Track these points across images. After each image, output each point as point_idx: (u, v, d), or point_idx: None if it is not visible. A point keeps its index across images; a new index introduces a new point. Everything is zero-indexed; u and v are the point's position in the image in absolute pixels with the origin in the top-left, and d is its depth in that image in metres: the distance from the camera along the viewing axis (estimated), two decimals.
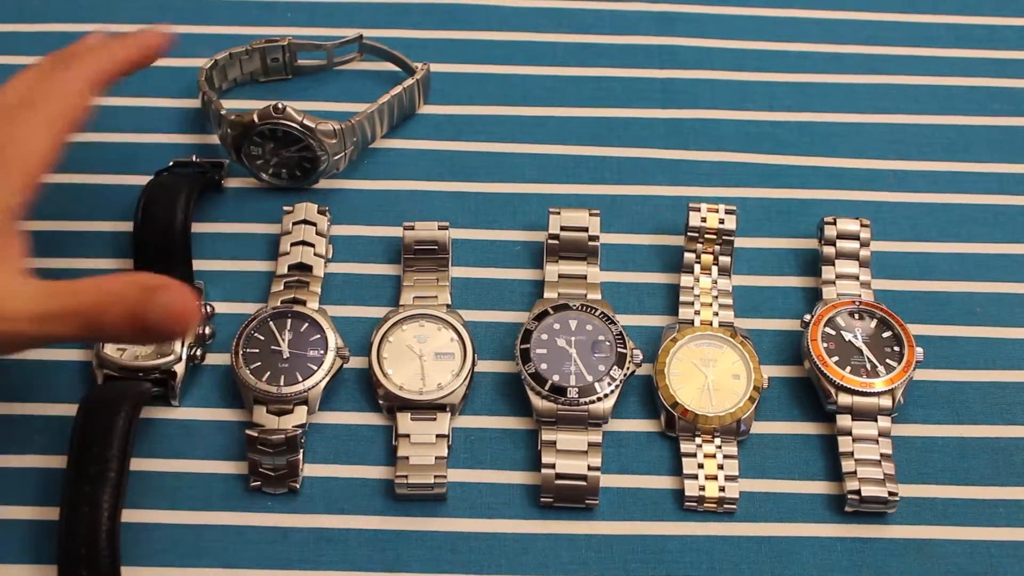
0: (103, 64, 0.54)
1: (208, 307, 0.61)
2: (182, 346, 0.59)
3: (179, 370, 0.59)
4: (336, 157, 0.64)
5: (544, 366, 0.58)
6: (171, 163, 0.65)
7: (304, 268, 0.62)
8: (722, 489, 0.57)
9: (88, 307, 0.47)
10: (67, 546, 0.53)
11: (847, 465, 0.57)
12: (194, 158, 0.66)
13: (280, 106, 0.62)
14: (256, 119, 0.62)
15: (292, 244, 0.63)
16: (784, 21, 0.75)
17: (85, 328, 0.47)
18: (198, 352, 0.59)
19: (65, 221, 0.65)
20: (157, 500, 0.57)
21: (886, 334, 0.60)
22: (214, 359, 0.61)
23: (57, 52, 0.55)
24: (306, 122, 0.63)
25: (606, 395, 0.58)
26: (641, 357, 0.59)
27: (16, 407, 0.59)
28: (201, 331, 0.60)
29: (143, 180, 0.64)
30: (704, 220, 0.62)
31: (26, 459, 0.58)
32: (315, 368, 0.58)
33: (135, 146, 0.68)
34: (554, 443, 0.57)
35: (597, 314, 0.60)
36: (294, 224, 0.63)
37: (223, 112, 0.63)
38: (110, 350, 0.58)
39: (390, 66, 0.71)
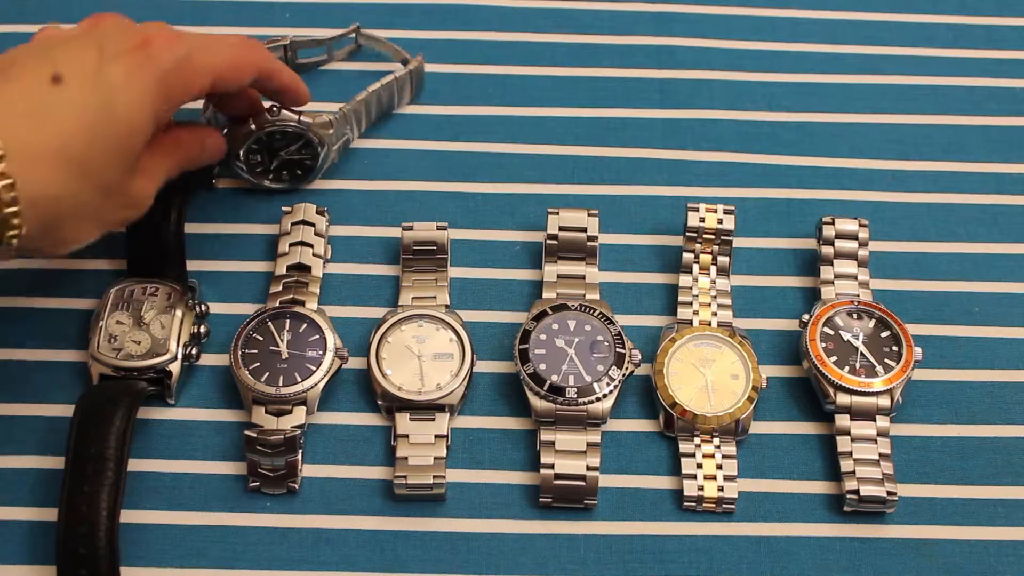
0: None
1: (203, 306, 0.61)
2: (177, 345, 0.59)
3: (174, 369, 0.59)
4: (334, 148, 0.65)
5: (543, 366, 0.58)
6: None
7: (303, 269, 0.62)
8: (721, 489, 0.57)
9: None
10: (66, 547, 0.53)
11: (846, 465, 0.58)
12: None
13: (275, 108, 0.62)
14: (254, 126, 0.63)
15: (291, 245, 0.63)
16: (782, 21, 0.75)
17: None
18: (193, 351, 0.59)
19: None
20: (156, 500, 0.57)
21: (884, 334, 0.60)
22: (213, 359, 0.61)
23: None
24: (303, 118, 0.63)
25: (605, 395, 0.58)
26: (640, 357, 0.59)
27: (11, 408, 0.59)
28: (196, 329, 0.60)
29: None
30: (703, 220, 0.62)
31: (22, 460, 0.58)
32: (314, 369, 0.58)
33: None
34: (553, 443, 0.57)
35: (596, 314, 0.60)
36: (293, 225, 0.63)
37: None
38: (105, 350, 0.58)
39: (383, 65, 0.71)
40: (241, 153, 0.64)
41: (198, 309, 0.60)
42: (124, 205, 0.53)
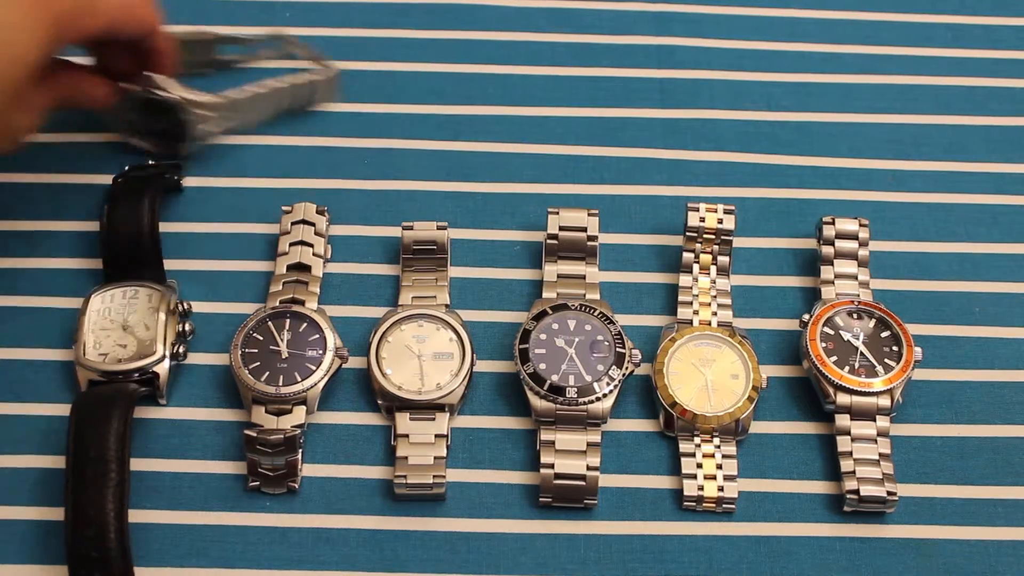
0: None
1: (184, 304, 0.61)
2: (163, 345, 0.59)
3: (162, 370, 0.59)
4: (206, 127, 0.65)
5: (543, 366, 0.58)
6: (126, 168, 0.66)
7: (303, 268, 0.62)
8: (721, 489, 0.57)
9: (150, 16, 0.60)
10: (77, 550, 0.53)
11: (846, 465, 0.58)
12: (151, 161, 0.66)
13: (151, 76, 0.63)
14: (129, 88, 0.64)
15: (291, 244, 0.63)
16: (782, 21, 0.75)
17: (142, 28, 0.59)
18: (180, 349, 0.59)
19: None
20: (156, 500, 0.57)
21: (885, 334, 0.60)
22: (213, 359, 0.61)
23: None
24: (179, 91, 0.64)
25: (605, 395, 0.58)
26: (640, 357, 0.59)
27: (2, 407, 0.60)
28: (181, 328, 0.60)
29: (98, 179, 0.65)
30: (703, 220, 0.62)
31: (16, 459, 0.58)
32: (314, 368, 0.58)
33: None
34: (553, 443, 0.57)
35: (596, 314, 0.60)
36: (293, 224, 0.63)
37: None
38: (92, 356, 0.58)
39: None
40: (117, 108, 0.65)
41: (180, 308, 0.60)
42: (1, 135, 0.57)
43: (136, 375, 0.58)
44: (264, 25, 0.73)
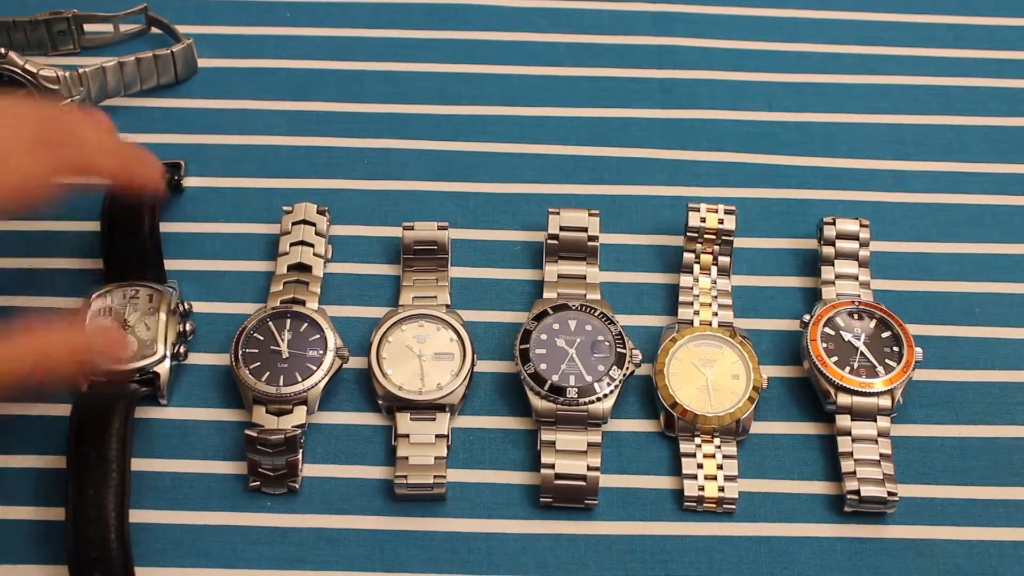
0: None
1: (185, 304, 0.61)
2: (164, 345, 0.59)
3: (163, 369, 0.58)
4: (56, 101, 0.65)
5: (543, 366, 0.58)
6: None
7: (303, 268, 0.62)
8: (721, 489, 0.57)
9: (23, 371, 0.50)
10: (78, 551, 0.53)
11: (846, 465, 0.57)
12: None
13: (2, 51, 0.64)
14: None
15: (291, 244, 0.63)
16: (783, 21, 0.75)
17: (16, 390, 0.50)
18: (181, 349, 0.59)
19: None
20: (157, 500, 0.57)
21: (885, 334, 0.60)
22: (213, 359, 0.61)
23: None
24: (28, 67, 0.64)
25: (605, 395, 0.58)
26: (640, 357, 0.59)
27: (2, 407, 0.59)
28: (182, 328, 0.60)
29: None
30: (703, 220, 0.62)
31: (16, 459, 0.58)
32: (314, 368, 0.58)
33: None
34: (553, 443, 0.57)
35: (596, 314, 0.60)
36: (293, 224, 0.63)
37: None
38: None
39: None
40: None
41: (181, 308, 0.60)
42: None
43: (137, 375, 0.58)
44: (265, 25, 0.73)
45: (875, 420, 0.58)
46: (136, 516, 0.56)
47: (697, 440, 0.58)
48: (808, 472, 0.59)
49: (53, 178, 0.52)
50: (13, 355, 0.49)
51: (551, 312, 0.60)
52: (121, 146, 0.58)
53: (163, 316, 0.59)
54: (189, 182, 0.66)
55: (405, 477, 0.56)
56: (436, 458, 0.57)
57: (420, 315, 0.61)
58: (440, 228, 0.63)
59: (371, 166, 0.68)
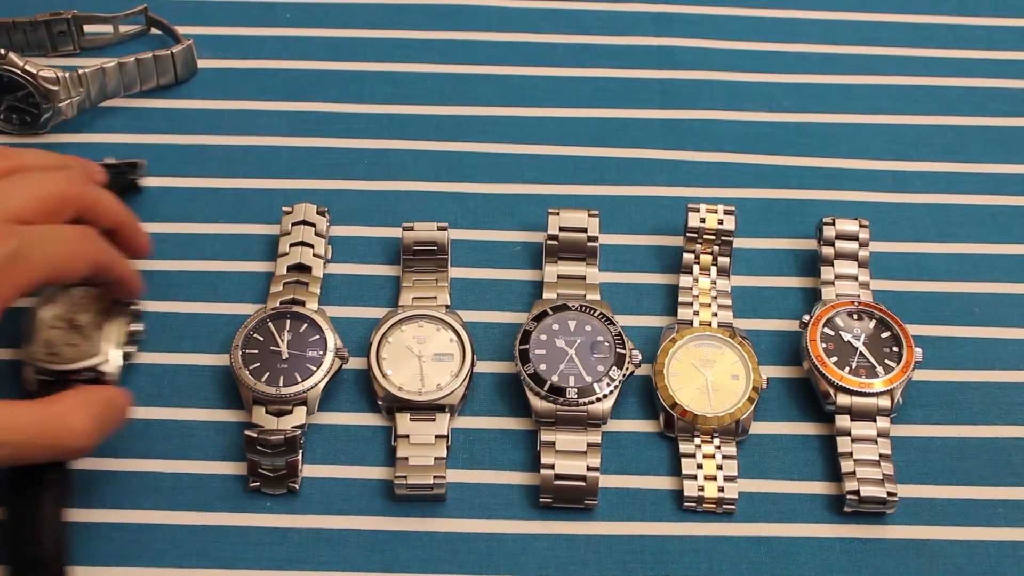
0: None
1: (136, 304, 0.60)
2: (113, 345, 0.58)
3: (110, 369, 0.58)
4: (61, 104, 0.66)
5: (543, 367, 0.58)
6: None
7: (303, 269, 0.62)
8: (721, 489, 0.57)
9: (77, 434, 0.50)
10: (16, 549, 0.53)
11: (846, 465, 0.58)
12: (106, 160, 0.65)
13: (2, 52, 0.64)
14: None
15: (291, 245, 0.63)
16: (782, 22, 0.75)
17: (68, 455, 0.52)
18: (130, 350, 0.59)
19: None
20: (157, 500, 0.57)
21: (885, 334, 0.60)
22: (213, 359, 0.61)
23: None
24: (27, 68, 0.64)
25: (605, 396, 0.58)
26: (640, 358, 0.59)
27: None
28: (131, 328, 0.59)
29: None
30: (703, 221, 0.62)
31: None
32: (314, 369, 0.58)
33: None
34: (553, 444, 0.57)
35: (596, 315, 0.60)
36: (293, 225, 0.63)
37: None
38: (40, 355, 0.58)
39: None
40: None
41: (132, 308, 0.60)
42: None
43: (85, 374, 0.58)
44: (265, 26, 0.73)
45: (875, 420, 0.58)
46: (136, 516, 0.56)
47: (697, 440, 0.58)
48: (808, 472, 0.59)
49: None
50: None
51: (551, 312, 0.60)
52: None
53: (113, 316, 0.59)
54: (191, 182, 0.66)
55: (405, 478, 0.56)
56: (436, 459, 0.57)
57: (420, 316, 0.61)
58: (440, 229, 0.63)
59: (371, 167, 0.68)
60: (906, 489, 0.58)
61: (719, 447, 0.58)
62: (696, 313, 0.61)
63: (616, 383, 0.58)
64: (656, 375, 0.59)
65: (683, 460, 0.58)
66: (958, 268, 0.65)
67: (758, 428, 0.60)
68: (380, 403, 0.59)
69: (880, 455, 0.58)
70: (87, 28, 0.71)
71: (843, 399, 0.58)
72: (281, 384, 0.58)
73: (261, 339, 0.59)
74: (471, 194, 0.67)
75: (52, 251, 0.51)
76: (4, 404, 0.49)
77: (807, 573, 0.56)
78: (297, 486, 0.57)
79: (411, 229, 0.63)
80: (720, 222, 0.62)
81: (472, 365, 0.59)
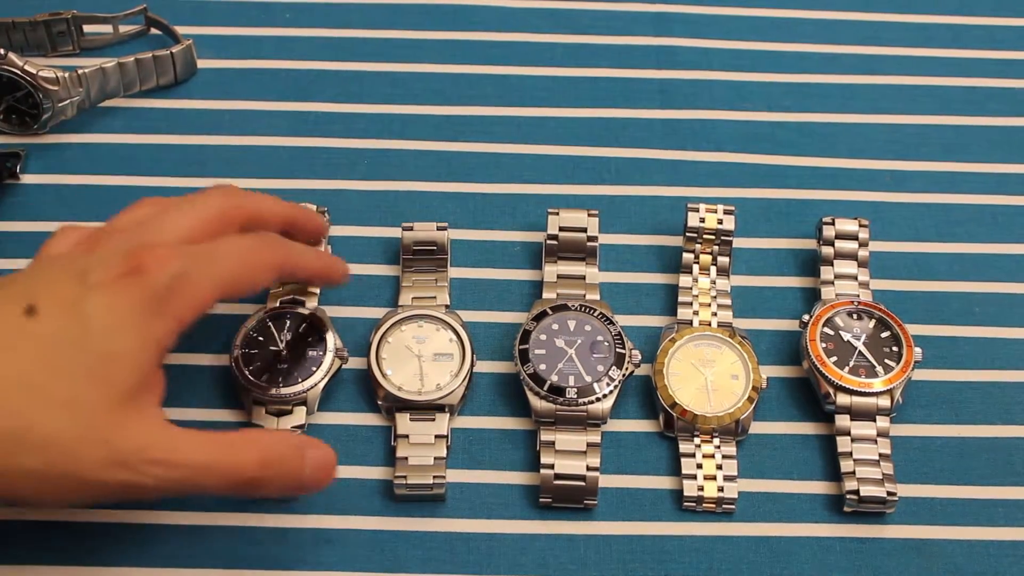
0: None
1: None
2: None
3: None
4: (61, 104, 0.66)
5: (543, 366, 0.58)
6: None
7: None
8: (721, 489, 0.57)
9: (250, 465, 0.49)
10: None
11: (846, 465, 0.58)
12: None
13: (2, 52, 0.64)
14: None
15: None
16: (782, 22, 0.75)
17: (242, 485, 0.49)
18: None
19: None
20: (157, 501, 0.57)
21: (885, 334, 0.60)
22: (213, 359, 0.61)
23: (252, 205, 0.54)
24: (27, 68, 0.64)
25: (605, 395, 0.58)
26: (640, 357, 0.59)
27: None
28: None
29: None
30: (703, 220, 0.62)
31: None
32: (314, 369, 0.58)
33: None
34: (553, 443, 0.57)
35: (596, 314, 0.60)
36: None
37: None
38: None
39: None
40: None
41: None
42: (111, 459, 0.46)
43: None
44: (265, 26, 0.73)
45: (874, 420, 0.58)
46: (136, 516, 0.56)
47: (696, 440, 0.58)
48: (807, 472, 0.59)
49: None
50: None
51: (550, 312, 0.60)
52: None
53: None
54: (191, 182, 0.66)
55: (405, 477, 0.56)
56: (436, 458, 0.57)
57: (419, 315, 0.61)
58: (439, 228, 0.63)
59: (371, 166, 0.68)
60: (906, 489, 0.58)
61: (719, 447, 0.58)
62: (696, 313, 0.61)
63: (616, 383, 0.58)
64: (656, 375, 0.59)
65: (683, 460, 0.58)
66: (958, 268, 0.65)
67: (758, 428, 0.60)
68: (380, 403, 0.59)
69: (880, 455, 0.58)
70: (87, 28, 0.71)
71: (843, 399, 0.58)
72: (281, 384, 0.58)
73: (261, 339, 0.59)
74: (471, 194, 0.67)
75: (223, 266, 0.50)
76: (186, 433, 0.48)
77: (807, 573, 0.56)
78: None
79: (411, 229, 0.63)
80: (720, 222, 0.62)
81: (472, 365, 0.59)
